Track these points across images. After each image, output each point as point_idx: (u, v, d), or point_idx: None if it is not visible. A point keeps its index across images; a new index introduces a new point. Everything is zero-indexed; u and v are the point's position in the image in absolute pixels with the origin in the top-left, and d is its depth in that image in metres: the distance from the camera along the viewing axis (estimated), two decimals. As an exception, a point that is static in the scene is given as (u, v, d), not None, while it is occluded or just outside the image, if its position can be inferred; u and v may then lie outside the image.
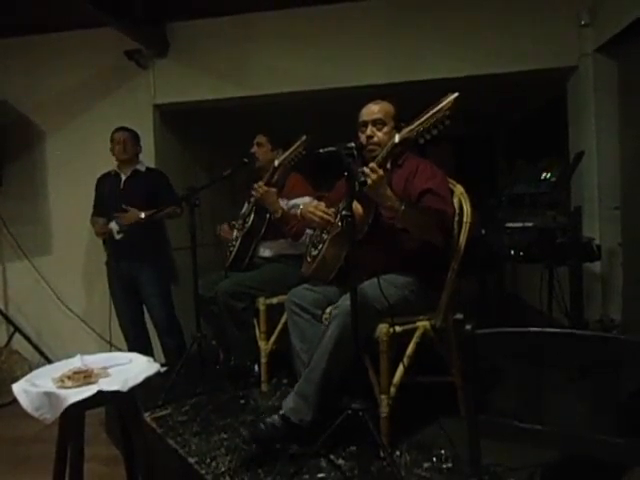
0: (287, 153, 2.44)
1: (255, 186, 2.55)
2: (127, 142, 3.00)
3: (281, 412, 1.83)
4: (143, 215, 2.82)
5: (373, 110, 2.02)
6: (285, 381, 2.54)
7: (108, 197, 3.03)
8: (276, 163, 2.51)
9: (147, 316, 3.13)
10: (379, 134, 1.99)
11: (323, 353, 1.80)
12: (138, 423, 1.59)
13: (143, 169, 3.06)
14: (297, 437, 1.81)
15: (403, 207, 1.76)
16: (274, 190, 2.55)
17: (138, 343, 3.05)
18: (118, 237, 2.91)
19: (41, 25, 3.46)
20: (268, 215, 2.60)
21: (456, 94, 1.60)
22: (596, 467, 1.44)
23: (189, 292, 2.68)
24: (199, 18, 3.45)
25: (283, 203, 2.61)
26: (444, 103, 1.61)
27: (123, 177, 3.01)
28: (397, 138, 1.77)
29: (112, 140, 3.01)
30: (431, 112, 1.63)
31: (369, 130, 1.99)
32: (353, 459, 1.75)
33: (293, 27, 3.38)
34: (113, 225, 2.93)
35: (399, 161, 2.05)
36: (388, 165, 1.96)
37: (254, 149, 2.77)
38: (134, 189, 2.99)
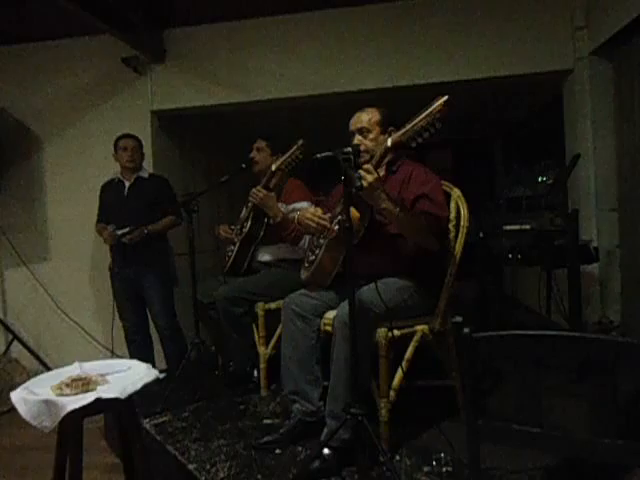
0: (284, 157, 2.44)
1: (254, 190, 2.55)
2: (135, 150, 3.01)
3: (322, 441, 1.80)
4: (147, 231, 2.90)
5: (358, 119, 2.08)
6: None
7: (112, 204, 3.04)
8: (273, 167, 2.51)
9: (150, 322, 3.12)
10: (365, 142, 2.03)
11: (339, 370, 1.80)
12: (137, 430, 1.59)
13: (146, 175, 3.07)
14: (346, 459, 1.77)
15: (398, 210, 1.76)
16: (273, 194, 2.56)
17: (141, 348, 3.05)
18: (123, 239, 2.90)
19: (38, 32, 3.47)
20: (266, 220, 2.60)
21: (446, 97, 1.61)
22: (596, 469, 1.44)
23: (188, 298, 2.68)
24: (196, 24, 3.47)
25: (282, 208, 2.61)
26: (434, 106, 1.62)
27: (127, 184, 3.02)
28: (389, 142, 1.79)
29: (117, 146, 3.00)
30: (422, 115, 1.64)
31: (356, 139, 2.05)
32: (353, 464, 1.75)
33: (290, 33, 3.40)
34: (110, 227, 2.93)
35: (394, 167, 2.07)
36: (382, 171, 1.98)
37: (253, 153, 2.77)
38: (138, 196, 2.99)
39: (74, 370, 1.58)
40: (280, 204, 2.61)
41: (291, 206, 2.60)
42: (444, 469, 1.76)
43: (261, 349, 2.56)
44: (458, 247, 2.04)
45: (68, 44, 3.54)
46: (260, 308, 2.54)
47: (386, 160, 1.97)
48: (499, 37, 3.20)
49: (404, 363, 1.91)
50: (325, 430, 1.83)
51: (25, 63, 3.59)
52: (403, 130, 1.72)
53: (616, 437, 1.01)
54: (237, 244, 2.70)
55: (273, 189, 2.61)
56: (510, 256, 2.63)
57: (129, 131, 3.08)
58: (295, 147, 2.38)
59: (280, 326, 2.39)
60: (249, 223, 2.66)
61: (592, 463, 1.39)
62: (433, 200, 1.93)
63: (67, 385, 1.43)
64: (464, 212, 2.06)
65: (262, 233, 2.65)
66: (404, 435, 1.97)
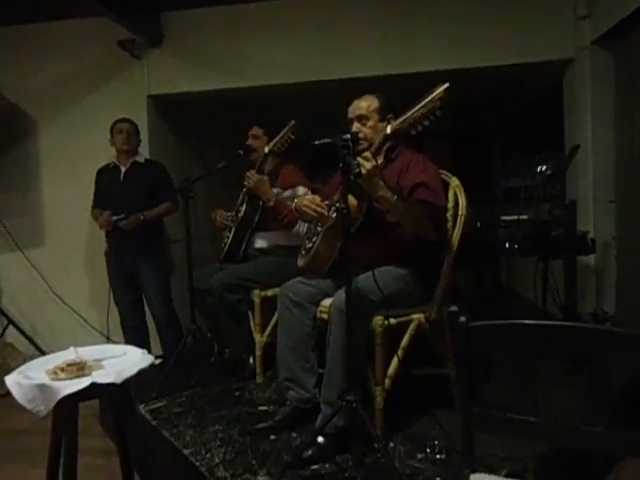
0: (276, 139, 2.44)
1: (248, 174, 2.54)
2: (130, 133, 2.99)
3: (317, 428, 1.80)
4: (143, 217, 2.88)
5: (356, 106, 2.06)
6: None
7: (108, 189, 3.02)
8: (266, 150, 2.51)
9: (146, 308, 3.12)
10: (364, 129, 2.02)
11: (335, 357, 1.80)
12: (132, 415, 1.59)
13: (142, 161, 3.05)
14: (341, 445, 1.77)
15: (395, 198, 1.76)
16: (266, 178, 2.55)
17: (137, 334, 3.05)
18: (120, 224, 2.88)
19: (34, 14, 3.41)
20: (261, 203, 2.59)
21: (447, 84, 1.59)
22: (588, 458, 1.46)
23: (184, 284, 2.68)
24: (193, 8, 3.42)
25: (277, 192, 2.60)
26: (435, 94, 1.61)
27: (123, 169, 3.00)
28: (389, 129, 1.78)
29: (113, 131, 2.98)
30: (422, 103, 1.63)
31: (354, 127, 2.03)
32: (348, 451, 1.76)
33: (288, 18, 3.35)
34: (106, 213, 2.91)
35: (392, 155, 2.06)
36: (381, 159, 1.97)
37: (250, 141, 2.75)
38: (134, 181, 2.98)
39: (69, 355, 1.58)
40: (276, 189, 2.60)
41: (288, 191, 2.59)
42: (438, 456, 1.77)
43: (257, 336, 2.57)
44: (455, 236, 2.03)
45: (64, 26, 3.49)
46: (257, 295, 2.54)
47: (385, 148, 1.96)
48: (500, 25, 3.17)
49: (400, 351, 1.92)
50: (320, 417, 1.84)
51: (20, 45, 3.53)
52: (403, 118, 1.71)
53: (609, 426, 1.01)
54: (232, 229, 2.69)
55: (268, 173, 2.60)
56: (507, 246, 2.63)
57: (125, 115, 3.05)
58: (287, 128, 2.38)
59: (276, 313, 2.39)
60: (244, 207, 2.66)
61: (585, 451, 1.40)
62: (431, 189, 1.92)
63: (62, 370, 1.42)
64: (462, 201, 2.05)
65: (257, 217, 2.64)
66: (399, 422, 1.98)
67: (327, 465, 1.73)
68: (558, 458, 1.58)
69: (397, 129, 1.74)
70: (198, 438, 2.00)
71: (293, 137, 2.38)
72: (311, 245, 2.08)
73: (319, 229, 2.06)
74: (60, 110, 3.55)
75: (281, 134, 2.40)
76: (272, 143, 2.46)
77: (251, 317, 2.61)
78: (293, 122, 2.37)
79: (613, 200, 3.03)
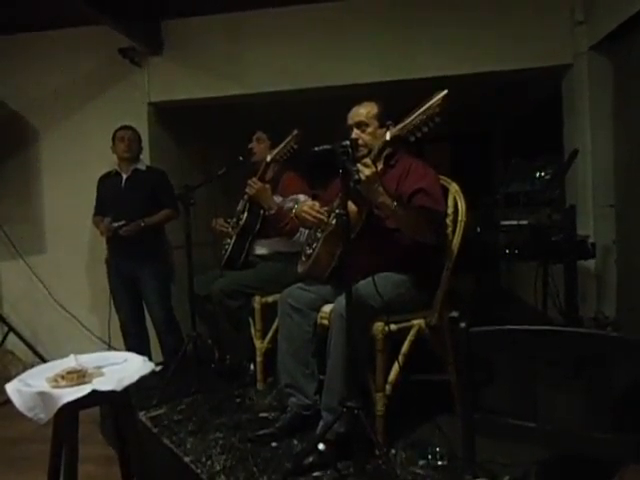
0: (278, 148, 2.44)
1: (250, 182, 2.55)
2: (132, 140, 3.01)
3: (318, 434, 1.80)
4: (143, 224, 2.89)
5: (356, 113, 2.07)
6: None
7: (109, 197, 3.04)
8: (268, 158, 2.51)
9: (147, 314, 3.12)
10: (363, 135, 2.03)
11: (335, 363, 1.80)
12: (133, 422, 1.59)
13: (143, 168, 3.06)
14: (342, 452, 1.77)
15: (395, 204, 1.76)
16: (268, 186, 2.55)
17: (137, 341, 3.05)
18: (120, 232, 2.89)
19: (35, 23, 3.44)
20: (262, 212, 2.59)
21: (445, 91, 1.60)
22: (590, 464, 1.45)
23: (185, 291, 2.68)
24: (194, 16, 3.44)
25: (278, 200, 2.60)
26: (434, 100, 1.62)
27: (124, 176, 3.01)
28: (388, 135, 1.79)
29: (115, 138, 3.00)
30: (421, 110, 1.64)
31: (354, 133, 2.04)
32: (349, 457, 1.76)
33: (288, 25, 3.37)
34: (107, 220, 2.92)
35: (391, 161, 2.07)
36: (381, 165, 1.97)
37: (252, 144, 2.76)
38: (135, 188, 2.99)
39: (70, 362, 1.58)
40: (276, 197, 2.61)
41: (288, 198, 2.60)
42: (439, 463, 1.77)
43: (257, 342, 2.57)
44: (456, 242, 2.04)
45: (64, 35, 3.51)
46: (257, 302, 2.54)
47: (384, 154, 1.96)
48: (499, 31, 3.18)
49: (400, 357, 1.92)
50: (321, 423, 1.83)
51: (21, 53, 3.55)
52: (402, 124, 1.72)
53: (611, 431, 1.01)
54: (233, 237, 2.69)
55: (269, 181, 2.60)
56: (507, 251, 2.63)
57: (125, 123, 3.07)
58: (290, 137, 2.38)
59: (277, 320, 2.39)
60: (245, 215, 2.66)
61: (587, 457, 1.40)
62: (430, 195, 1.93)
63: (62, 377, 1.42)
64: (462, 207, 2.06)
65: (258, 225, 2.65)
66: (400, 429, 1.98)
67: (328, 472, 1.73)
68: (559, 464, 1.58)
69: (396, 135, 1.75)
70: (199, 445, 2.00)
71: (296, 147, 2.38)
72: (311, 251, 2.08)
73: (319, 235, 2.06)
74: (61, 118, 3.57)
75: (283, 143, 2.41)
76: (274, 152, 2.46)
77: (252, 323, 2.61)
78: (296, 132, 2.36)
79: (613, 204, 3.03)
